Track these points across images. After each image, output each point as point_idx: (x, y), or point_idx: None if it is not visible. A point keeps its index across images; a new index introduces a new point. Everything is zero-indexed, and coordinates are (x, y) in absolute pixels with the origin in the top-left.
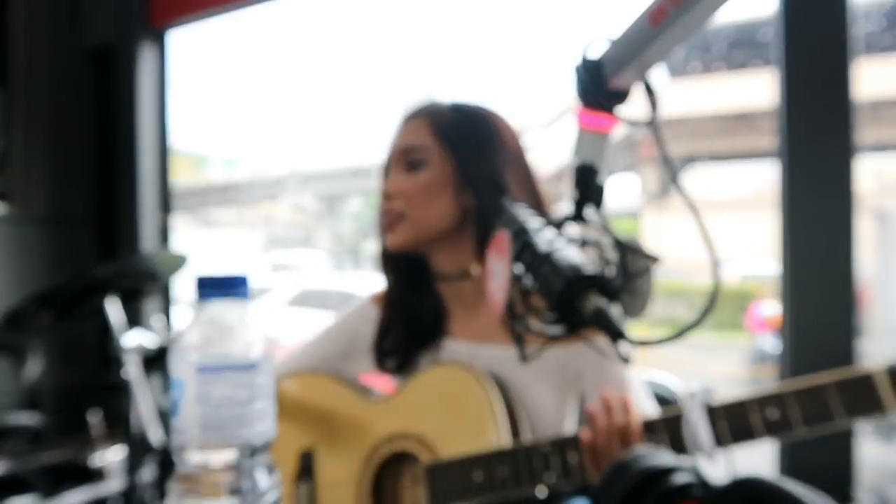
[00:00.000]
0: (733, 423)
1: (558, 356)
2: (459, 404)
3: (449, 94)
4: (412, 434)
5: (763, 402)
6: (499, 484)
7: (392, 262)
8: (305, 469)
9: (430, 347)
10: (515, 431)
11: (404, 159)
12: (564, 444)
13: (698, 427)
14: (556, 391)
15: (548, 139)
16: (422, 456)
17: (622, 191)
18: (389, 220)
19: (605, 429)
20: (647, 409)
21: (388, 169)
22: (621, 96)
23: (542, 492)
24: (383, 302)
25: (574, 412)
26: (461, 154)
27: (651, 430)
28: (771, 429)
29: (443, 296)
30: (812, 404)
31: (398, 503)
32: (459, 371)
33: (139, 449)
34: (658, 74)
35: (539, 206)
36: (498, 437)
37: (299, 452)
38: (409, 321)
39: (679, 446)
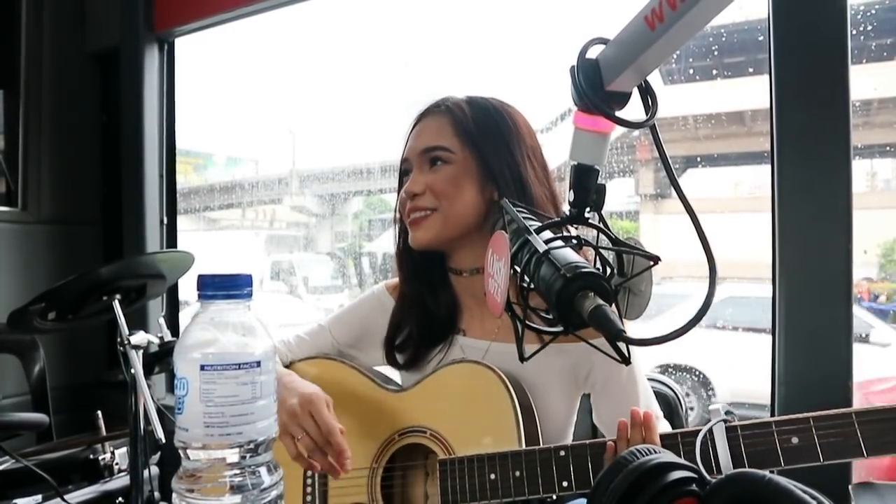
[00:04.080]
0: (752, 446)
1: (570, 355)
2: (480, 403)
3: (460, 90)
4: (429, 428)
5: (784, 427)
6: (513, 485)
7: (408, 257)
8: None
9: (443, 344)
10: (531, 432)
11: (427, 157)
12: (583, 451)
13: (718, 449)
14: (566, 389)
15: (548, 140)
16: (437, 451)
17: (620, 192)
18: (417, 217)
19: (629, 441)
20: (653, 408)
21: (408, 169)
22: (619, 98)
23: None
24: (396, 296)
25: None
26: (483, 149)
27: (669, 446)
28: (789, 456)
29: (457, 291)
30: (834, 434)
31: (407, 494)
32: (482, 370)
33: (144, 447)
34: (655, 77)
35: (554, 200)
36: (516, 439)
37: None
38: (423, 318)
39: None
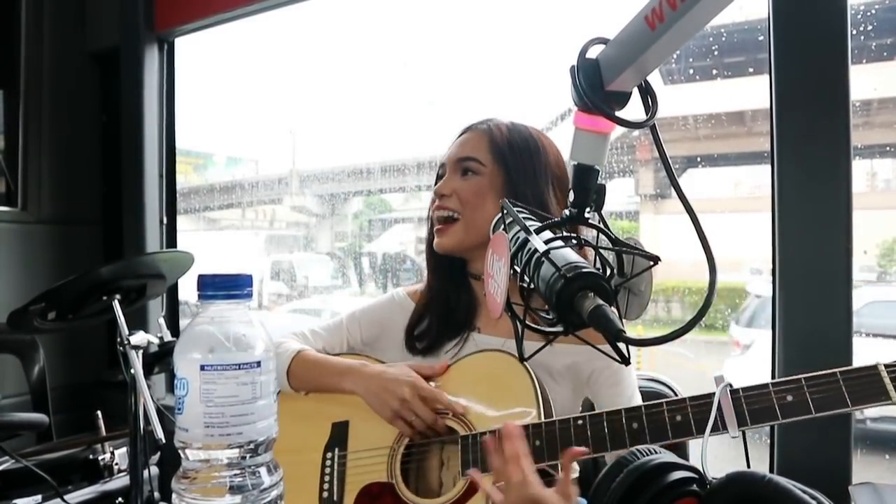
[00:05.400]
0: (753, 405)
1: (574, 356)
2: (502, 385)
3: (472, 112)
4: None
5: (779, 387)
6: (533, 454)
7: (437, 258)
8: (338, 437)
9: (458, 338)
10: (549, 414)
11: (460, 166)
12: (599, 418)
13: (723, 408)
14: (570, 389)
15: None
16: (459, 430)
17: (620, 192)
18: (442, 222)
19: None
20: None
21: (443, 174)
22: (619, 98)
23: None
24: (421, 294)
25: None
26: (511, 167)
27: (678, 409)
28: (785, 411)
29: (475, 293)
30: (823, 391)
31: (426, 471)
32: (505, 356)
33: (144, 447)
34: (655, 76)
35: None
36: (536, 417)
37: (333, 423)
38: (444, 311)
39: (702, 427)
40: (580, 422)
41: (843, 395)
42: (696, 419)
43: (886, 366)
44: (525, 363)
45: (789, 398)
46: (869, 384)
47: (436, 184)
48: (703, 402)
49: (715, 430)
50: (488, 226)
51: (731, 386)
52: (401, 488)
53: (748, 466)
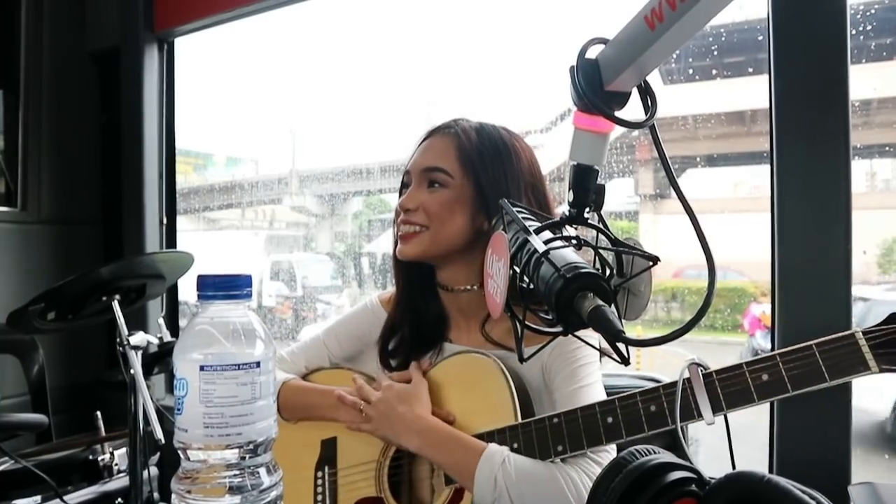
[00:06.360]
0: (727, 388)
1: (539, 355)
2: (477, 385)
3: (472, 113)
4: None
5: (754, 367)
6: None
7: (404, 268)
8: (327, 454)
9: (432, 351)
10: (525, 404)
11: (426, 177)
12: (574, 415)
13: (696, 393)
14: (539, 389)
15: (548, 141)
16: None
17: (619, 192)
18: (406, 232)
19: None
20: (599, 396)
21: (408, 183)
22: (619, 98)
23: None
24: (392, 304)
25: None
26: (481, 179)
27: (652, 399)
28: (761, 391)
29: (445, 304)
30: (798, 366)
31: (415, 480)
32: (477, 356)
33: (143, 447)
34: (655, 76)
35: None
36: (512, 413)
37: (322, 441)
38: (415, 324)
39: (680, 414)
40: (555, 420)
41: (820, 368)
42: (670, 408)
43: (864, 332)
44: (500, 363)
45: (765, 377)
46: (846, 355)
47: (400, 192)
48: (675, 390)
49: (689, 417)
50: (457, 238)
51: (703, 369)
52: (390, 501)
53: (731, 459)
